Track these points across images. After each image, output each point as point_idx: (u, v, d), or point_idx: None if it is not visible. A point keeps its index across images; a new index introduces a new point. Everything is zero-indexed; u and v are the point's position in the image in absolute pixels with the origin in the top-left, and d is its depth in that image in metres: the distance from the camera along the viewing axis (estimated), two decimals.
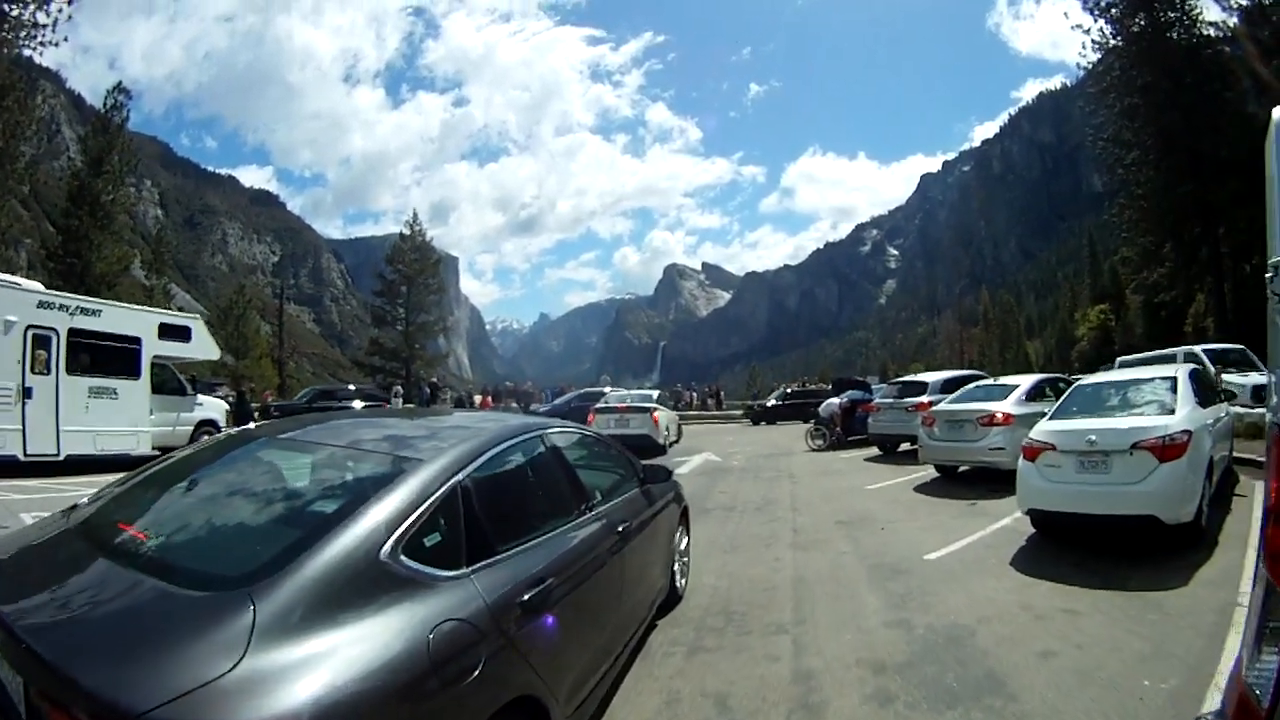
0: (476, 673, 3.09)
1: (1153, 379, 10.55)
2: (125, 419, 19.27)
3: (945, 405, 15.62)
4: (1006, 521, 10.76)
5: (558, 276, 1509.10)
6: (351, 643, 2.72)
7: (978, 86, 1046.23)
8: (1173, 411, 9.16)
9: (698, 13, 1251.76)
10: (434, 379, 58.74)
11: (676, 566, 7.53)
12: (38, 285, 19.60)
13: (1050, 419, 10.16)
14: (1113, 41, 45.39)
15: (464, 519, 3.59)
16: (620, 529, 5.31)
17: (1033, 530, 9.86)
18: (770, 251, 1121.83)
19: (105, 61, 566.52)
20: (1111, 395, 10.51)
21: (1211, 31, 42.79)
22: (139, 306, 24.79)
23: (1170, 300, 58.58)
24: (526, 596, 3.63)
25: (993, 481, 13.37)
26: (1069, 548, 9.11)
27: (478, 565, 3.50)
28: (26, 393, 16.94)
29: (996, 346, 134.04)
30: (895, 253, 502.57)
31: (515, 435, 4.68)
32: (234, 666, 2.41)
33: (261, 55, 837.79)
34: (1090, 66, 47.81)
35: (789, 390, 49.72)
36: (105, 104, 52.56)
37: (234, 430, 6.05)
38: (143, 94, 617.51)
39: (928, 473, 15.87)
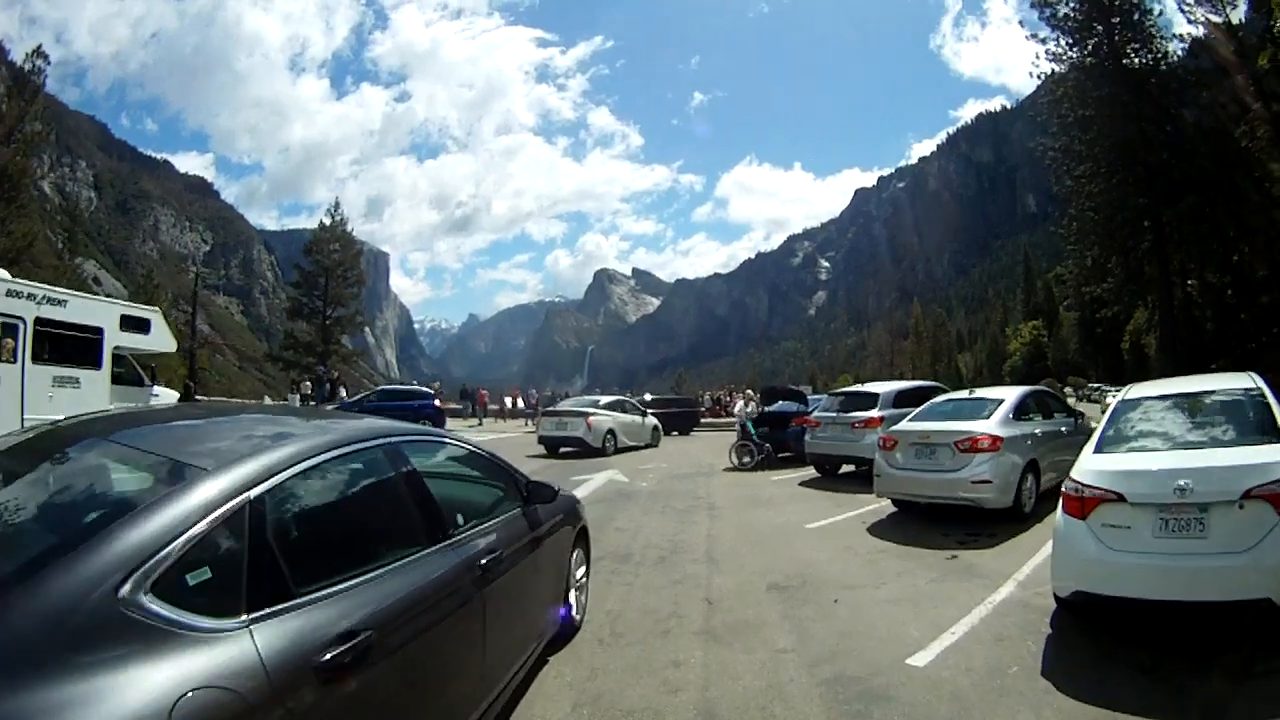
0: None
1: (1233, 391, 7.25)
2: (86, 409, 17.02)
3: (910, 425, 12.45)
4: (1011, 590, 7.70)
5: (489, 277, 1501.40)
6: (57, 711, 2.05)
7: (917, 105, 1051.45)
8: None
9: (651, 20, 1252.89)
10: (335, 373, 54.70)
11: (573, 596, 6.61)
12: (4, 273, 19.04)
13: (1099, 451, 6.74)
14: (1068, 54, 44.75)
15: (250, 550, 2.80)
16: (486, 560, 4.40)
17: (1057, 608, 6.66)
18: (703, 259, 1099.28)
19: (52, 35, 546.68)
20: (1183, 415, 7.09)
21: (1173, 46, 42.90)
22: (103, 298, 26.55)
23: (1111, 316, 58.59)
24: (328, 656, 2.78)
25: (969, 521, 11.00)
26: (1126, 641, 6.04)
27: (263, 613, 2.68)
28: None
29: (928, 359, 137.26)
30: (827, 265, 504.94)
31: (349, 443, 3.76)
32: None
33: (210, 38, 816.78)
34: (1044, 76, 46.77)
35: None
36: (23, 68, 51.57)
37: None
38: (87, 71, 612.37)
39: (882, 506, 12.70)
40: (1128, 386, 8.50)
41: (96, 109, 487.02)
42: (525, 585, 5.21)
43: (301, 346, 66.62)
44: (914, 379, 39.28)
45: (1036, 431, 12.15)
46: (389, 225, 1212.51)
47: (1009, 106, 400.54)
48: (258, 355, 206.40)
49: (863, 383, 23.63)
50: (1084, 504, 6.13)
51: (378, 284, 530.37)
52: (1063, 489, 6.49)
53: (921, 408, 13.35)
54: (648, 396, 40.33)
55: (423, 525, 4.04)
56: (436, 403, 34.54)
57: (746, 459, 20.64)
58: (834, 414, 17.79)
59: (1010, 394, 12.63)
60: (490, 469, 5.58)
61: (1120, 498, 5.93)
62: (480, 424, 42.57)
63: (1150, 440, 6.79)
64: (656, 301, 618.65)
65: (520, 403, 50.62)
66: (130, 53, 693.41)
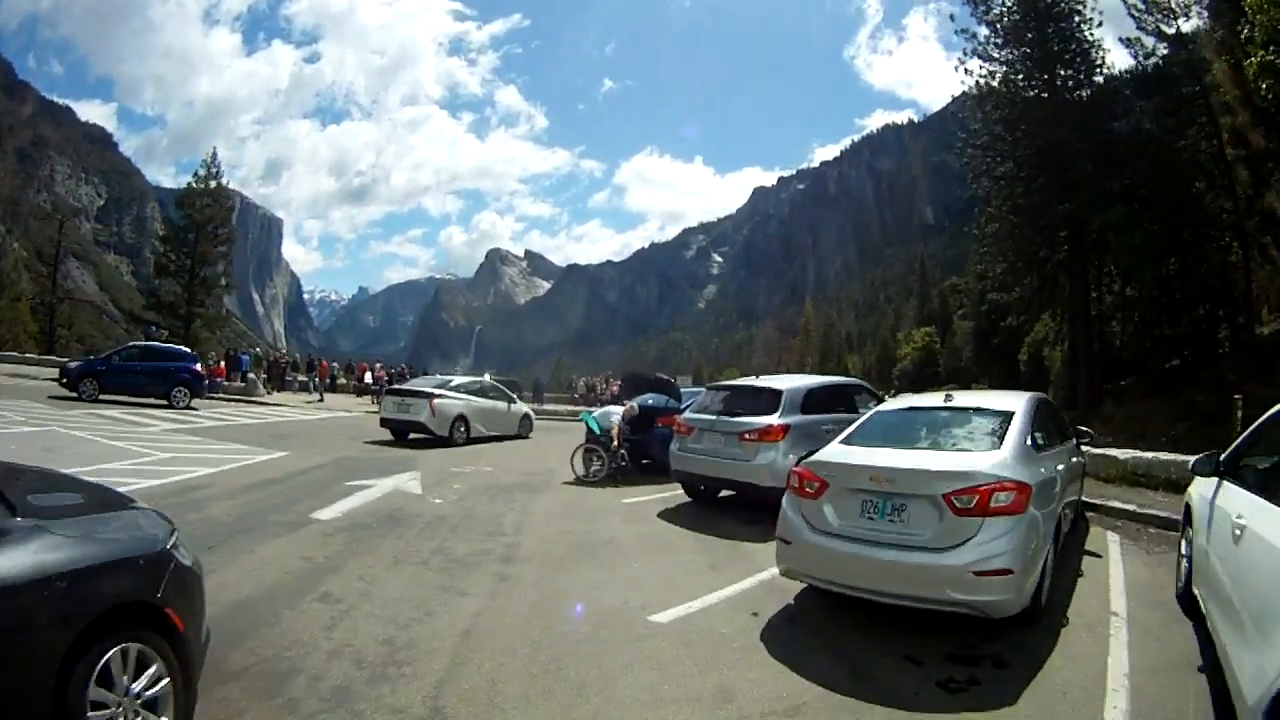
0: None
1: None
2: None
3: (855, 453, 7.26)
4: None
5: (381, 250, 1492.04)
6: None
7: (825, 111, 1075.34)
8: None
9: (571, 3, 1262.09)
10: (164, 334, 49.09)
11: None
12: None
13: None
14: (998, 54, 43.25)
15: None
16: None
17: None
18: (596, 246, 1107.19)
19: None
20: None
21: (1111, 58, 42.02)
22: None
23: (1011, 326, 61.60)
24: None
25: (948, 624, 6.41)
26: None
27: None
28: None
29: (816, 358, 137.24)
30: (720, 260, 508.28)
31: None
32: None
33: None
34: (970, 72, 44.50)
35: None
36: None
37: None
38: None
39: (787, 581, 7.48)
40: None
41: (4, 47, 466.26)
42: None
43: (164, 307, 60.52)
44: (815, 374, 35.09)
45: (1060, 469, 7.81)
46: (286, 189, 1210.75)
47: (916, 120, 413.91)
48: (119, 315, 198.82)
49: (780, 375, 17.61)
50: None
51: (270, 250, 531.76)
52: None
53: (863, 422, 8.24)
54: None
55: None
56: (198, 366, 29.94)
57: (596, 465, 15.72)
58: (713, 417, 12.58)
59: (1019, 405, 7.66)
60: None
61: None
62: (321, 399, 37.97)
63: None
64: (548, 285, 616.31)
65: (369, 379, 44.82)
66: None
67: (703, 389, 17.31)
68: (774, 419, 11.60)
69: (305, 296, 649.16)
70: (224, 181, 66.76)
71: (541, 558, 9.19)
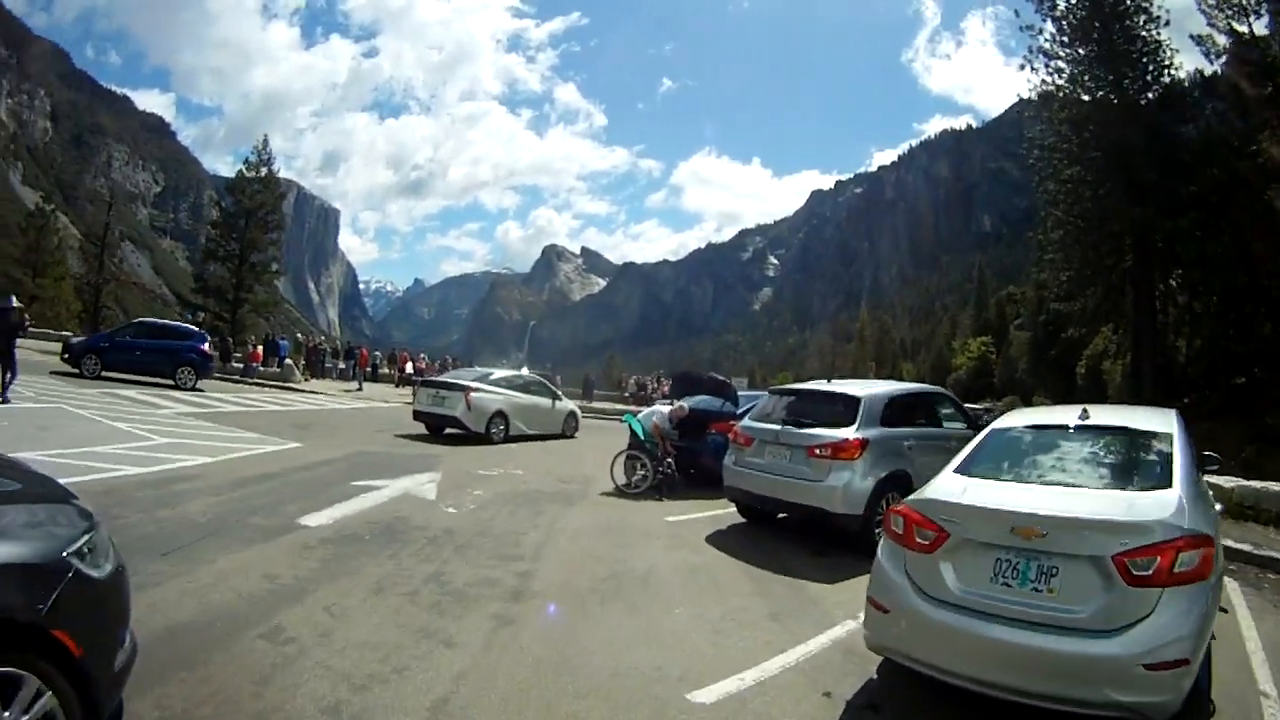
0: None
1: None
2: None
3: (983, 496, 5.26)
4: None
5: (438, 243, 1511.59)
6: None
7: (883, 115, 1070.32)
8: None
9: (630, 2, 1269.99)
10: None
11: None
12: None
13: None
14: (1064, 51, 42.48)
15: None
16: None
17: None
18: (652, 245, 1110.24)
19: None
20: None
21: (1179, 59, 40.87)
22: None
23: (1070, 338, 58.87)
24: None
25: None
26: None
27: None
28: None
29: (871, 364, 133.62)
30: (775, 262, 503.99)
31: None
32: None
33: None
34: (1035, 69, 43.63)
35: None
36: None
37: None
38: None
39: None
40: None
41: (62, 36, 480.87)
42: None
43: (212, 291, 61.65)
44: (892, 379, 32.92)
45: (1216, 513, 6.22)
46: (343, 181, 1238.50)
47: (974, 126, 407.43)
48: (173, 299, 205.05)
49: (852, 380, 15.09)
50: None
51: (326, 240, 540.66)
52: None
53: (980, 445, 6.34)
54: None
55: None
56: (206, 346, 28.21)
57: (642, 474, 13.86)
58: (777, 426, 10.68)
59: (1172, 424, 6.00)
60: None
61: None
62: (360, 388, 36.76)
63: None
64: (603, 283, 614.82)
65: (410, 369, 43.78)
66: None
67: (762, 393, 15.65)
68: (850, 432, 9.84)
69: (360, 287, 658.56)
70: (275, 169, 67.10)
71: (559, 594, 7.45)
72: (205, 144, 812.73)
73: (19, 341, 18.70)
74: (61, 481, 4.26)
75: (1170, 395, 37.87)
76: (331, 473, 12.86)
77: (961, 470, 5.88)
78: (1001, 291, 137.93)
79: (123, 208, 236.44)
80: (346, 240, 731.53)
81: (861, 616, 5.64)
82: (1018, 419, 7.18)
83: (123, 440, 13.64)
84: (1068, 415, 6.57)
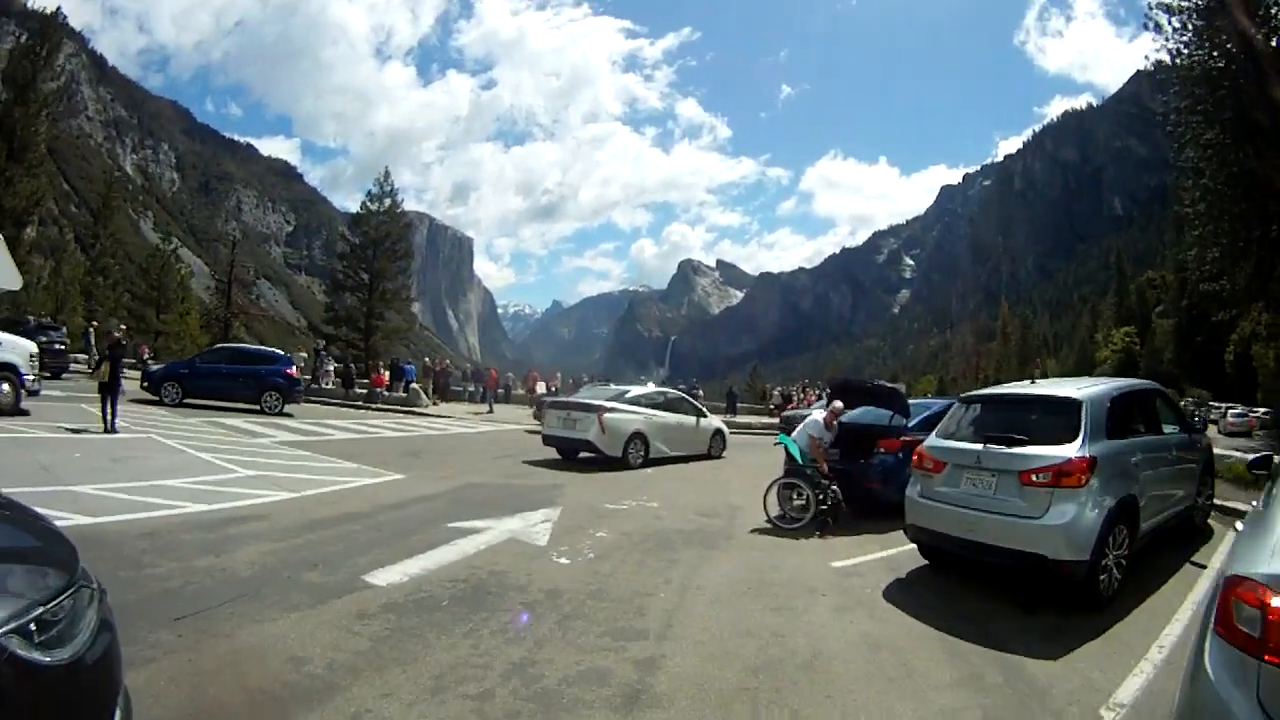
0: None
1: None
2: None
3: None
4: None
5: (574, 265, 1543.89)
6: None
7: (1002, 101, 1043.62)
8: None
9: (739, 13, 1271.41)
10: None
11: None
12: None
13: None
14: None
15: None
16: None
17: None
18: (787, 253, 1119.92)
19: (134, 25, 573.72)
20: None
21: None
22: None
23: (1218, 322, 53.39)
24: None
25: None
26: None
27: None
28: None
29: (1015, 362, 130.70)
30: (911, 263, 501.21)
31: None
32: None
33: (293, 27, 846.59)
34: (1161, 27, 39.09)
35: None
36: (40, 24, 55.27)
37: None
38: (170, 60, 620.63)
39: None
40: None
41: (179, 95, 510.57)
42: None
43: (343, 320, 64.38)
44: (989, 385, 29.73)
45: None
46: (474, 210, 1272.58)
47: (1095, 104, 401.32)
48: (301, 327, 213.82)
49: (949, 391, 12.95)
50: None
51: (462, 268, 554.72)
52: None
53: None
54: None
55: None
56: (292, 370, 27.56)
57: (799, 503, 11.73)
58: (976, 446, 8.43)
59: None
60: None
61: None
62: (490, 410, 36.15)
63: None
64: (740, 294, 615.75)
65: (541, 388, 42.61)
66: (213, 41, 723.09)
67: (935, 401, 14.51)
68: (1074, 449, 7.72)
69: (499, 311, 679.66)
70: (400, 200, 68.55)
71: (693, 700, 5.31)
72: (334, 183, 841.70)
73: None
74: (106, 520, 3.42)
75: None
76: (427, 511, 11.48)
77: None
78: (1140, 277, 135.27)
79: (256, 248, 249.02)
80: (482, 267, 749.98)
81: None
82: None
83: (201, 473, 12.98)
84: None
